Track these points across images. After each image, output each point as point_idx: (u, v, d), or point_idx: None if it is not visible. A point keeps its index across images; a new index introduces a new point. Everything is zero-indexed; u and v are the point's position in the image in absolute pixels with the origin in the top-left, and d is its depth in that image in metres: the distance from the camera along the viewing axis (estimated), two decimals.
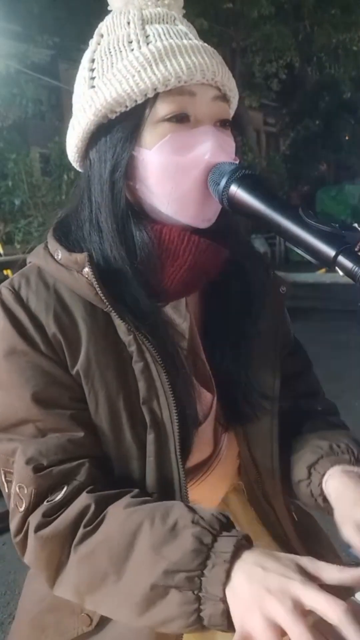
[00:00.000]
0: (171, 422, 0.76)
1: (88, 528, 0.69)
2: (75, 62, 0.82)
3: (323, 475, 0.82)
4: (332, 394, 1.03)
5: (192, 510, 0.66)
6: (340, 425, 0.95)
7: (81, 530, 0.69)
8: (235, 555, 0.60)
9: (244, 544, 0.62)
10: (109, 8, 0.81)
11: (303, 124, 20.00)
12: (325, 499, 0.82)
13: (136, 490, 0.74)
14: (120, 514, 0.69)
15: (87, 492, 0.71)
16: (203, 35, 0.80)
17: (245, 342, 0.86)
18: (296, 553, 0.91)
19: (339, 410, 1.00)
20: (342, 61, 17.06)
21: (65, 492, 0.71)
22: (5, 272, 4.99)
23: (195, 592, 0.60)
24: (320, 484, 0.83)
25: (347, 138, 19.95)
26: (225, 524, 0.64)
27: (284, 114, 22.51)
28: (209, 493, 0.90)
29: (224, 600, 0.58)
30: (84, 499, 0.70)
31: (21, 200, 10.70)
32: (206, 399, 0.85)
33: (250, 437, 0.89)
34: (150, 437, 0.76)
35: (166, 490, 0.77)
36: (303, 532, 0.94)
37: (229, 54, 15.41)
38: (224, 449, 0.89)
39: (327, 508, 0.82)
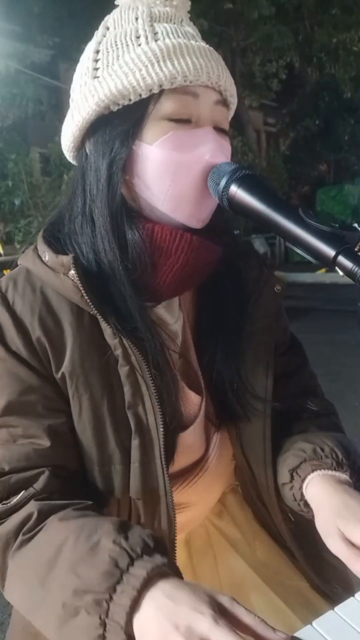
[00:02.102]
0: (156, 428, 0.75)
1: (25, 536, 0.69)
2: (75, 62, 0.81)
3: (304, 480, 0.81)
4: (332, 394, 1.02)
5: (121, 528, 0.63)
6: (331, 427, 0.91)
7: (20, 538, 0.69)
8: (148, 583, 0.57)
9: (163, 571, 0.58)
10: (115, 2, 0.80)
11: (303, 124, 20.02)
12: (306, 504, 0.81)
13: (87, 503, 0.73)
14: (53, 526, 0.68)
15: (36, 500, 0.71)
16: (203, 35, 0.81)
17: (238, 342, 0.85)
18: (292, 553, 0.90)
19: (336, 411, 0.98)
20: (342, 61, 17.06)
21: (20, 497, 0.72)
22: (5, 272, 5.00)
23: (102, 617, 0.57)
24: (301, 488, 0.81)
25: (347, 138, 19.94)
26: (149, 548, 0.61)
27: (284, 114, 22.53)
28: (204, 494, 0.90)
29: (127, 630, 0.56)
30: (29, 507, 0.70)
31: (21, 200, 10.72)
32: (194, 402, 0.85)
33: (243, 437, 0.88)
34: (135, 443, 0.75)
35: (152, 496, 0.76)
36: (299, 533, 0.93)
37: (229, 54, 15.43)
38: (216, 450, 0.88)
39: (309, 512, 0.81)
